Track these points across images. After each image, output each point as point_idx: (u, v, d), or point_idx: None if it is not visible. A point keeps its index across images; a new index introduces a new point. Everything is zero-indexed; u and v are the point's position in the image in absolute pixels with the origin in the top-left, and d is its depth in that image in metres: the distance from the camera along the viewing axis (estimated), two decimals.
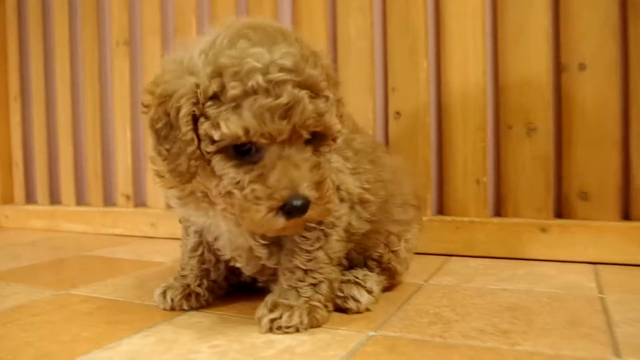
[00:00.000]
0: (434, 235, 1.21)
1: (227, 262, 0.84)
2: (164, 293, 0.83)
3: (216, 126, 0.59)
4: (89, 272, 1.15)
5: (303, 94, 0.59)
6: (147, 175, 1.66)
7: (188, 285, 0.83)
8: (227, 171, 0.62)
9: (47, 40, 1.88)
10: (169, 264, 1.20)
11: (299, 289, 0.72)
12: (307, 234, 0.72)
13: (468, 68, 1.20)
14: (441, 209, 1.28)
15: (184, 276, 0.85)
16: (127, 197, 1.70)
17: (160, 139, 0.63)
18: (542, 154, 1.15)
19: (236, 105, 0.58)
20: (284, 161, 0.60)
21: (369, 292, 0.80)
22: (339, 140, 0.68)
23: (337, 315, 0.77)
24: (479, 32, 1.19)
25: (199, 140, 0.61)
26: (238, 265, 0.81)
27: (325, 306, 0.73)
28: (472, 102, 1.20)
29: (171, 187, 0.72)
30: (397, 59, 1.28)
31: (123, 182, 1.71)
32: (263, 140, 0.60)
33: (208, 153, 0.62)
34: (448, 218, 1.23)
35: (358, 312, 0.78)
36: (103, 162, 1.77)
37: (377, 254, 0.86)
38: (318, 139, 0.64)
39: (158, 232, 1.61)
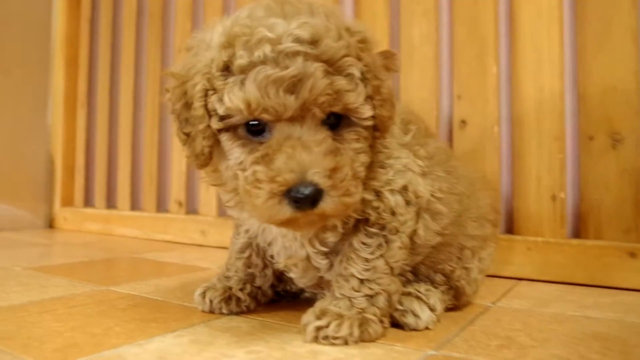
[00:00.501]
0: (502, 256, 1.10)
1: (276, 269, 0.77)
2: (203, 294, 0.78)
3: (221, 100, 0.55)
4: (133, 272, 1.14)
5: (316, 67, 0.53)
6: (200, 182, 1.66)
7: (230, 288, 0.78)
8: (233, 151, 0.58)
9: (115, 48, 1.95)
10: (216, 270, 1.16)
11: (353, 299, 0.65)
12: (368, 241, 0.65)
13: (543, 73, 1.11)
14: (510, 228, 1.17)
15: (227, 277, 0.79)
16: (180, 203, 1.70)
17: (181, 122, 0.60)
18: (630, 167, 1.02)
19: (243, 77, 0.54)
20: (293, 142, 0.54)
21: (432, 309, 0.71)
22: (387, 134, 0.62)
23: (392, 330, 0.69)
24: (556, 33, 1.09)
25: (210, 116, 0.57)
26: (292, 276, 0.74)
27: (381, 321, 0.65)
28: (548, 110, 1.10)
29: (214, 185, 0.68)
30: (464, 65, 1.20)
31: (176, 189, 1.71)
32: (267, 116, 0.54)
33: (218, 131, 0.58)
34: (518, 237, 1.12)
35: (416, 329, 0.69)
36: (159, 169, 1.78)
37: (449, 267, 0.77)
38: (343, 123, 0.58)
39: (208, 240, 1.58)
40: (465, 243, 0.78)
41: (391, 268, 0.66)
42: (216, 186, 0.68)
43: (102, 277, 1.05)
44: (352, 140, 0.59)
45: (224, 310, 0.76)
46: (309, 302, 0.76)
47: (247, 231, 0.77)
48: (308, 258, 0.69)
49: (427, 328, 0.70)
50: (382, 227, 0.65)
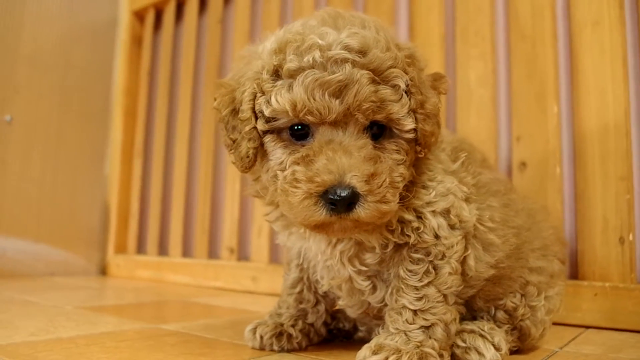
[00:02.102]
0: (567, 302, 1.08)
1: (328, 302, 0.80)
2: (254, 329, 0.79)
3: (269, 101, 0.60)
4: (183, 312, 1.19)
5: (362, 74, 0.57)
6: (252, 228, 1.73)
7: (281, 324, 0.79)
8: (275, 151, 0.62)
9: (172, 100, 2.11)
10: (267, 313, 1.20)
11: (409, 333, 0.65)
12: (414, 267, 0.66)
13: (607, 110, 1.14)
14: (575, 273, 1.17)
15: (279, 314, 0.82)
16: (231, 250, 1.78)
17: (228, 130, 0.65)
18: None
19: (291, 80, 0.58)
20: (334, 145, 0.58)
21: (496, 348, 0.71)
22: (433, 149, 0.65)
23: None
24: (619, 69, 1.13)
25: (256, 118, 0.62)
26: (340, 302, 0.76)
27: (441, 355, 0.65)
28: (613, 148, 1.12)
29: (255, 196, 0.72)
30: (523, 106, 1.25)
31: (228, 236, 1.80)
32: (311, 118, 0.58)
33: (263, 134, 0.62)
34: (584, 283, 1.11)
35: None
36: (211, 216, 1.88)
37: (511, 304, 0.77)
38: (385, 134, 0.62)
39: (259, 287, 1.64)
40: (529, 277, 0.77)
41: (444, 296, 0.67)
42: (257, 197, 0.72)
43: (152, 317, 1.10)
44: (393, 151, 0.62)
45: (275, 347, 0.77)
46: (363, 341, 0.77)
47: (298, 266, 0.81)
48: (350, 279, 0.71)
49: None
50: (427, 253, 0.66)
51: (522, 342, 0.79)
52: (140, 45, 2.25)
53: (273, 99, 0.59)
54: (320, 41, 0.58)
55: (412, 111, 0.62)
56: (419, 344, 0.64)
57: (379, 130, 0.61)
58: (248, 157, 0.64)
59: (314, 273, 0.77)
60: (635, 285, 1.06)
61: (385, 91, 0.59)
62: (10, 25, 1.90)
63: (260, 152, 0.65)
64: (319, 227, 0.59)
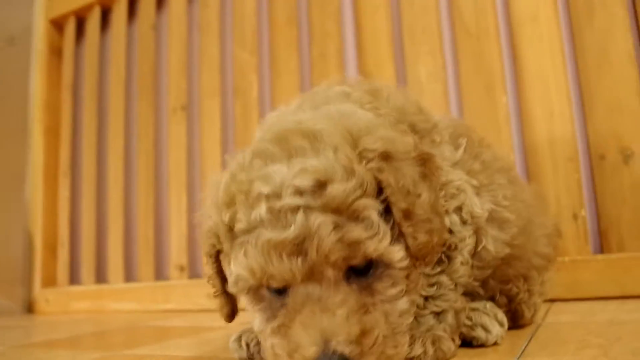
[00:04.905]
0: None
1: None
2: (238, 339, 0.77)
3: (230, 266, 0.57)
4: (145, 337, 1.14)
5: (320, 221, 0.51)
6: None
7: None
8: (254, 315, 0.59)
9: (101, 113, 2.12)
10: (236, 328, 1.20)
11: (419, 318, 0.68)
12: None
13: (550, 98, 1.33)
14: None
15: None
16: (181, 268, 1.81)
17: (212, 280, 0.65)
18: None
19: (245, 239, 0.54)
20: (311, 306, 0.52)
21: (500, 324, 0.76)
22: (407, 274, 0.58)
23: (459, 350, 0.72)
24: (559, 60, 1.32)
25: (225, 281, 0.60)
26: None
27: (452, 339, 0.68)
28: (559, 132, 1.31)
29: None
30: (474, 98, 1.42)
31: (177, 253, 1.83)
32: (276, 284, 0.54)
33: (234, 295, 0.61)
34: None
35: (484, 344, 0.74)
36: (155, 234, 1.90)
37: (515, 289, 0.83)
38: (374, 268, 0.56)
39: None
40: (534, 261, 0.84)
41: (455, 284, 0.70)
42: None
43: (112, 344, 1.06)
44: (387, 287, 0.56)
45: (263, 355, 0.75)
46: None
47: None
48: None
49: (495, 343, 0.74)
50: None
51: (514, 322, 0.87)
52: (60, 56, 2.23)
53: (232, 265, 0.56)
54: (264, 189, 0.53)
55: (398, 226, 0.56)
56: (430, 327, 0.67)
57: (366, 267, 0.55)
58: (227, 316, 0.66)
59: None
60: (592, 257, 1.24)
61: (356, 231, 0.52)
62: None
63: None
64: None
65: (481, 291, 0.80)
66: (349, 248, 0.52)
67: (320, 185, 0.52)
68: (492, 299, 0.83)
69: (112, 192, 2.02)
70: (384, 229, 0.54)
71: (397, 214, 0.55)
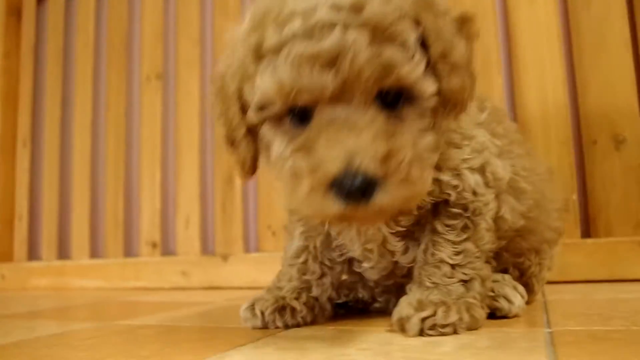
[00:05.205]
0: None
1: (334, 275, 0.79)
2: (251, 307, 0.74)
3: (255, 88, 0.56)
4: (128, 310, 1.08)
5: (357, 37, 0.50)
6: (178, 219, 1.72)
7: (282, 298, 0.75)
8: (274, 142, 0.58)
9: (66, 80, 2.00)
10: (226, 303, 1.14)
11: (448, 286, 0.67)
12: (452, 222, 0.68)
13: (546, 81, 1.34)
14: None
15: (279, 288, 0.78)
16: (154, 245, 1.74)
17: (226, 128, 0.63)
18: (635, 165, 1.26)
19: (275, 58, 0.53)
20: (337, 125, 0.52)
21: (521, 295, 0.76)
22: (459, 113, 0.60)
23: (486, 321, 0.70)
24: (555, 45, 1.33)
25: (246, 112, 0.59)
26: (365, 265, 0.77)
27: (481, 307, 0.67)
28: (553, 116, 1.32)
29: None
30: None
31: (149, 229, 1.76)
32: (305, 99, 0.53)
33: (260, 125, 0.59)
34: None
35: (507, 315, 0.73)
36: (125, 209, 1.82)
37: (527, 262, 0.84)
38: (404, 100, 0.55)
39: (191, 281, 1.63)
40: (546, 234, 0.85)
41: (481, 252, 0.69)
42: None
43: (97, 316, 1.00)
44: (415, 118, 0.56)
45: (278, 323, 0.73)
46: (381, 312, 0.81)
47: (302, 234, 0.78)
48: (384, 242, 0.72)
49: (516, 315, 0.74)
50: (465, 208, 0.68)
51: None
52: (19, 17, 2.09)
53: (258, 85, 0.55)
54: (300, 6, 0.53)
55: (433, 67, 0.55)
56: (461, 295, 0.66)
57: (396, 97, 0.55)
58: (246, 164, 0.63)
59: (338, 239, 0.77)
60: (581, 240, 1.26)
61: (391, 52, 0.52)
62: None
63: (264, 152, 0.62)
64: (337, 220, 0.56)
65: (494, 263, 0.78)
66: (382, 68, 0.51)
67: (359, 3, 0.51)
68: (503, 271, 0.83)
69: (77, 163, 1.92)
70: (420, 57, 0.54)
71: (434, 52, 0.55)
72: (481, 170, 0.68)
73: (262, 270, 1.54)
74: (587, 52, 1.32)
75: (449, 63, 0.56)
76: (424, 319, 0.61)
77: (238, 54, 0.58)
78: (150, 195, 1.77)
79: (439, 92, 0.56)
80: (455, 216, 0.68)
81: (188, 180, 1.72)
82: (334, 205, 0.51)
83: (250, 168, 0.63)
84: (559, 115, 1.32)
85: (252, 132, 0.61)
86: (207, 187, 1.72)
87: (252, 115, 0.57)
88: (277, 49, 0.53)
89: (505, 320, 0.73)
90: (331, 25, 0.51)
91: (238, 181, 1.65)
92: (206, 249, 1.69)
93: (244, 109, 0.60)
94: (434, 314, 0.61)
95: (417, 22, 0.55)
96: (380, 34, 0.52)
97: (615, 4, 1.30)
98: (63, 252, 1.93)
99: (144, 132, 1.82)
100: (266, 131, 0.59)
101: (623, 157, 1.27)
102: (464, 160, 0.67)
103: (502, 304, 0.73)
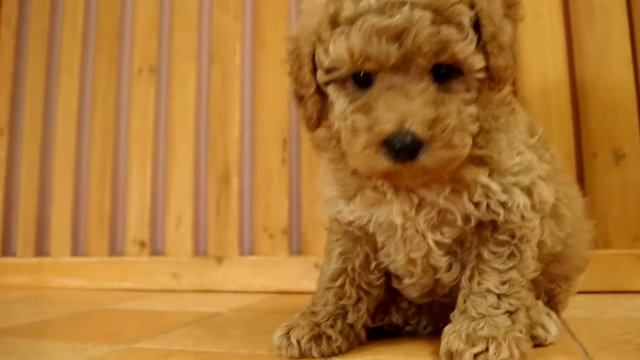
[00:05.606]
0: None
1: (370, 301, 0.79)
2: (286, 334, 0.73)
3: (327, 51, 0.63)
4: (115, 324, 1.04)
5: (421, 15, 0.58)
6: (168, 218, 1.68)
7: (317, 325, 0.74)
8: (337, 101, 0.66)
9: (50, 66, 1.93)
10: (235, 316, 1.11)
11: (495, 318, 0.68)
12: (498, 250, 0.69)
13: (550, 96, 1.38)
14: None
15: (314, 313, 0.77)
16: (142, 244, 1.70)
17: (296, 85, 0.71)
18: (635, 180, 1.31)
19: (349, 28, 0.61)
20: (394, 91, 0.60)
21: (555, 323, 0.78)
22: (503, 90, 0.66)
23: None
24: (560, 55, 1.38)
25: (315, 71, 0.67)
26: (406, 281, 0.77)
27: (527, 340, 0.68)
28: (556, 128, 1.36)
29: (320, 152, 0.76)
30: None
31: (137, 227, 1.71)
32: (370, 65, 0.61)
33: (326, 85, 0.67)
34: None
35: (542, 344, 0.75)
36: (111, 205, 1.77)
37: (558, 288, 0.85)
38: (454, 74, 0.63)
39: (182, 284, 1.60)
40: (577, 263, 0.87)
41: (526, 280, 0.70)
42: (319, 150, 0.76)
43: (105, 335, 0.94)
44: (461, 90, 0.63)
45: (314, 353, 0.72)
46: (412, 335, 0.82)
47: (341, 256, 0.78)
48: (427, 255, 0.72)
49: (551, 343, 0.75)
50: (512, 235, 0.69)
51: None
52: None
53: (331, 48, 0.62)
54: None
55: (483, 46, 0.63)
56: (509, 329, 0.67)
57: (447, 71, 0.63)
58: (312, 119, 0.71)
59: (382, 249, 0.77)
60: None
61: (448, 31, 0.59)
62: None
63: (326, 104, 0.70)
64: (385, 176, 0.64)
65: (531, 286, 0.79)
66: (440, 44, 0.59)
67: None
68: (535, 297, 0.82)
69: (59, 155, 1.85)
70: (472, 37, 0.61)
71: (485, 34, 0.62)
72: (529, 191, 0.70)
73: (258, 274, 1.53)
74: (590, 66, 1.37)
75: (497, 44, 0.63)
76: (476, 355, 0.63)
77: (314, 20, 0.66)
78: (139, 192, 1.73)
79: (486, 69, 0.64)
80: (502, 243, 0.70)
81: (181, 177, 1.69)
82: (383, 162, 0.60)
83: (315, 122, 0.71)
84: (562, 128, 1.36)
85: (319, 91, 0.69)
86: (200, 185, 1.69)
87: (321, 76, 0.66)
88: (352, 20, 0.61)
89: (542, 349, 0.74)
90: (401, 4, 0.59)
91: (234, 180, 1.63)
92: (198, 250, 1.66)
93: (314, 69, 0.68)
94: (486, 350, 0.63)
95: (472, 5, 0.62)
96: (440, 14, 0.59)
97: (617, 22, 1.35)
98: (40, 248, 1.86)
99: (133, 126, 1.77)
100: (332, 91, 0.67)
101: (623, 172, 1.32)
102: (514, 173, 0.69)
103: (540, 332, 0.75)
